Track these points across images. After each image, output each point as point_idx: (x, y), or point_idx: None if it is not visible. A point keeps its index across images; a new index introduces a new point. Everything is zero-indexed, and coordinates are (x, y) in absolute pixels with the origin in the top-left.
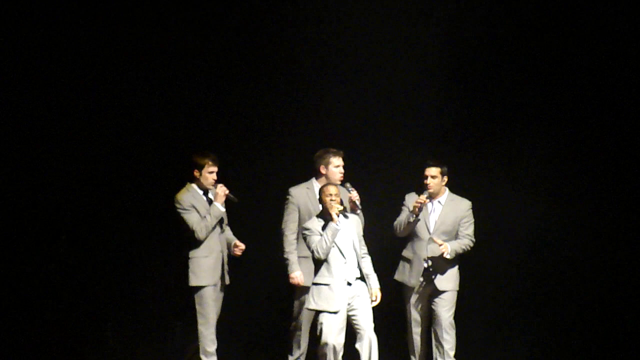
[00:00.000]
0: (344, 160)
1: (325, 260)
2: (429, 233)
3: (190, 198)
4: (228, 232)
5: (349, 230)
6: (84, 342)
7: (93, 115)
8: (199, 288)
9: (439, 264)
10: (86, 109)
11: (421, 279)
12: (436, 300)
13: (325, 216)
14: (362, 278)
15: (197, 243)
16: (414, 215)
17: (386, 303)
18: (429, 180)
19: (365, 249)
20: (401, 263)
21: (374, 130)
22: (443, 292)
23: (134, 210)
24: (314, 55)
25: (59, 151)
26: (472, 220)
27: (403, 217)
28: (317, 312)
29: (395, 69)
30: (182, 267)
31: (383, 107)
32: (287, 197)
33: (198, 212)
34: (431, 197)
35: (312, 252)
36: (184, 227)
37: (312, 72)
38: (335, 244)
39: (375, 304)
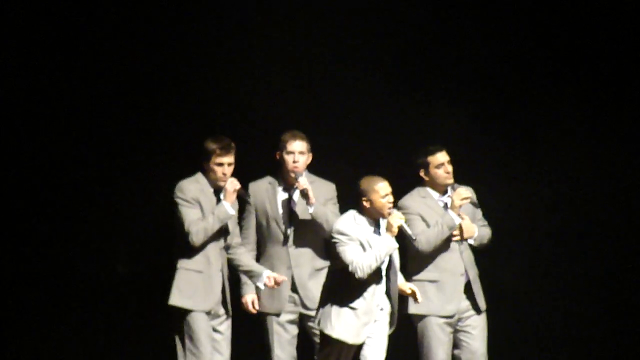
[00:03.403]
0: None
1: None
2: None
3: (197, 190)
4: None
5: None
6: None
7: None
8: (186, 313)
9: (475, 274)
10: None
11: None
12: (467, 327)
13: (370, 219)
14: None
15: (190, 251)
16: (458, 216)
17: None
18: (449, 167)
19: None
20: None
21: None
22: (481, 312)
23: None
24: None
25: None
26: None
27: (424, 227)
28: (329, 338)
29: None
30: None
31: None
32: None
33: (202, 211)
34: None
35: (351, 268)
36: (178, 225)
37: None
38: None
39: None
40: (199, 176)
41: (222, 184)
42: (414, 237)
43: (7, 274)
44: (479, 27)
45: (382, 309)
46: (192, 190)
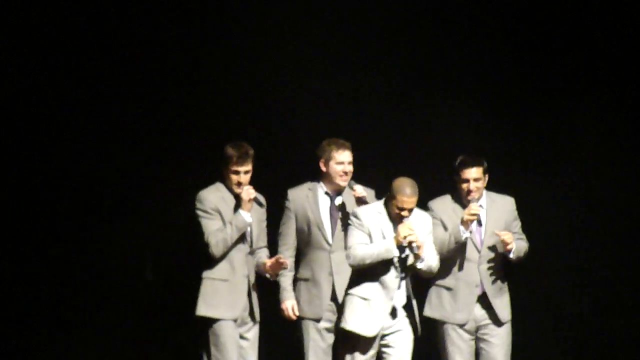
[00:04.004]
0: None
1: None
2: (478, 250)
3: (217, 199)
4: (263, 254)
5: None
6: None
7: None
8: (212, 322)
9: (496, 287)
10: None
11: (477, 311)
12: (486, 335)
13: (391, 216)
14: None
15: (213, 260)
16: (467, 231)
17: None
18: (472, 185)
19: None
20: (435, 294)
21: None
22: (502, 324)
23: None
24: None
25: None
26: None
27: (441, 234)
28: (346, 333)
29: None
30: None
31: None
32: (285, 201)
33: (223, 220)
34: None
35: (347, 252)
36: (200, 236)
37: None
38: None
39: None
40: (219, 184)
41: (237, 191)
42: (420, 259)
43: (7, 274)
44: (504, 27)
45: (391, 298)
46: (211, 201)
